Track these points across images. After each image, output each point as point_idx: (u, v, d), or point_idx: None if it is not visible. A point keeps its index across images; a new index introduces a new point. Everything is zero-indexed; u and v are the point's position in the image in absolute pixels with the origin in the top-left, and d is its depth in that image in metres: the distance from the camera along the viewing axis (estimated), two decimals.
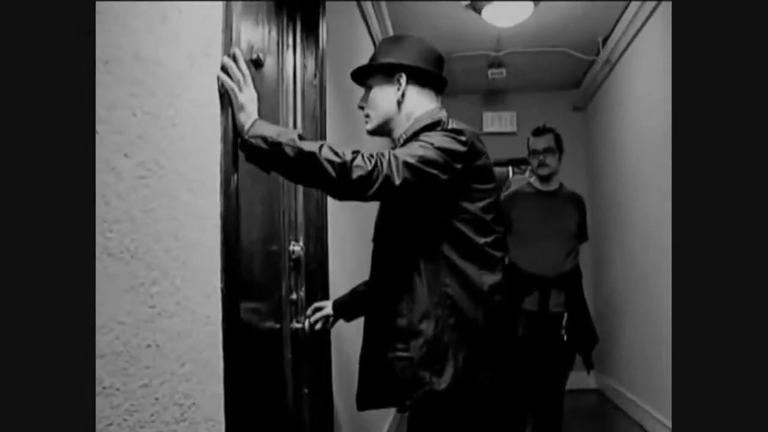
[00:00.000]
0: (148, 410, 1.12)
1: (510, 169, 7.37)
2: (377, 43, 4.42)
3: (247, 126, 1.56)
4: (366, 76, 1.95)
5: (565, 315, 3.58)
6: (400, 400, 1.72)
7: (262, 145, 1.54)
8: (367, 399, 1.83)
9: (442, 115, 1.81)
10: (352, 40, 3.67)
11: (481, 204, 1.75)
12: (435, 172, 1.62)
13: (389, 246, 1.84)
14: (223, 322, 1.45)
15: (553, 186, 3.73)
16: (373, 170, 1.55)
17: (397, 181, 1.56)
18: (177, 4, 1.31)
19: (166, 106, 1.24)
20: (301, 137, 1.56)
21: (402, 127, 1.87)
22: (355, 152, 1.58)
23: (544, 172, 3.66)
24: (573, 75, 5.91)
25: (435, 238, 1.73)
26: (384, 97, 1.88)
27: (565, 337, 3.55)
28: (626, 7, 4.36)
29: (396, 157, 1.59)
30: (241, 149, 1.58)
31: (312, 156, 1.53)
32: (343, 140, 3.12)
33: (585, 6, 4.43)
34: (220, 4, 1.54)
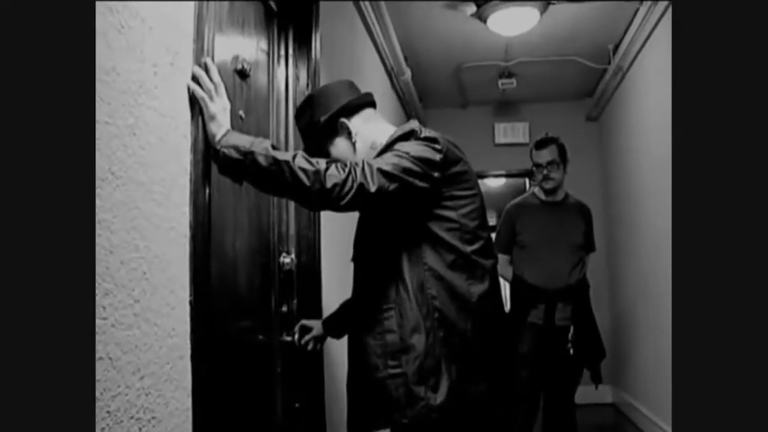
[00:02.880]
0: (99, 424, 1.09)
1: (527, 180, 7.32)
2: (383, 56, 4.42)
3: (218, 136, 1.54)
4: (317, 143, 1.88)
5: (572, 328, 3.51)
6: (396, 419, 1.64)
7: (235, 154, 1.52)
8: (359, 422, 1.76)
9: (414, 125, 1.77)
10: (354, 53, 3.66)
11: (464, 210, 1.71)
12: (410, 179, 1.59)
13: (371, 263, 1.79)
14: (192, 335, 1.43)
15: (558, 196, 3.66)
16: (347, 178, 1.52)
17: (372, 189, 1.53)
18: (139, 12, 1.30)
19: (125, 115, 1.23)
20: (274, 147, 1.55)
21: (371, 157, 1.80)
22: (329, 162, 1.55)
23: (548, 186, 3.59)
24: (585, 84, 5.84)
25: (419, 250, 1.68)
26: (343, 148, 1.83)
27: (572, 351, 3.48)
28: (635, 14, 4.31)
29: (370, 165, 1.56)
30: (213, 160, 1.57)
31: (286, 164, 1.51)
32: None
33: (592, 13, 4.38)
34: (191, 13, 1.53)
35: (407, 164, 1.59)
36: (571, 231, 3.61)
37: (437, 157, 1.65)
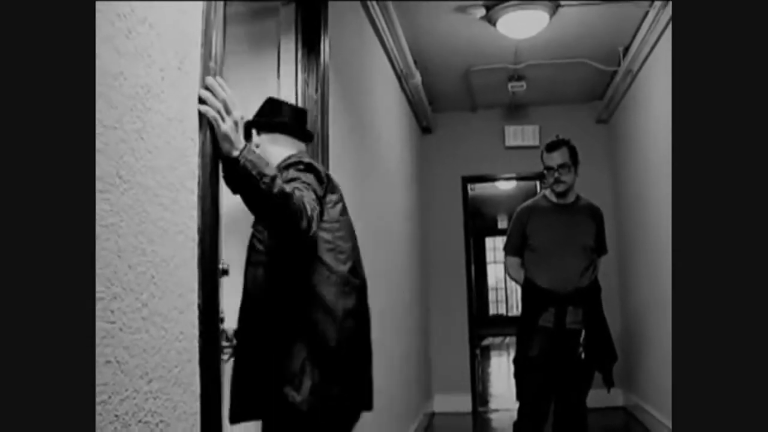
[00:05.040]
0: (107, 428, 1.10)
1: (538, 183, 7.31)
2: (392, 60, 4.43)
3: (237, 150, 1.59)
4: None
5: (583, 332, 3.49)
6: (268, 413, 1.83)
7: (253, 171, 1.59)
8: (240, 411, 1.86)
9: (296, 154, 1.95)
10: (363, 57, 3.67)
11: (339, 233, 1.92)
12: (316, 205, 1.77)
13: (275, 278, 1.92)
14: (200, 339, 1.43)
15: (569, 199, 3.63)
16: (312, 212, 1.70)
17: (315, 221, 1.72)
18: (147, 18, 1.30)
19: (132, 119, 1.23)
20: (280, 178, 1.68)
21: None
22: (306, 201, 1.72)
23: (560, 188, 3.56)
24: (595, 87, 5.82)
25: (306, 270, 1.85)
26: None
27: (583, 355, 3.45)
28: (645, 16, 4.29)
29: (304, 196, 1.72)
30: (226, 166, 1.59)
31: (289, 198, 1.63)
32: (349, 153, 3.10)
33: (602, 16, 4.37)
34: (199, 18, 1.53)
35: (311, 193, 1.77)
36: (583, 234, 3.58)
37: (321, 185, 1.87)
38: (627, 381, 5.58)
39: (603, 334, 3.53)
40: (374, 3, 3.70)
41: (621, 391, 5.65)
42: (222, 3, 1.64)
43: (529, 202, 3.81)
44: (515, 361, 3.61)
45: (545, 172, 3.61)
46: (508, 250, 3.77)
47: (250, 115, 2.01)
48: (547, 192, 3.68)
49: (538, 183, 7.21)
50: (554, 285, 3.48)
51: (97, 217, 1.10)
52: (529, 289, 3.62)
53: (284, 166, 1.87)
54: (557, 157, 3.52)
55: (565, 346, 3.46)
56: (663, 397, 4.57)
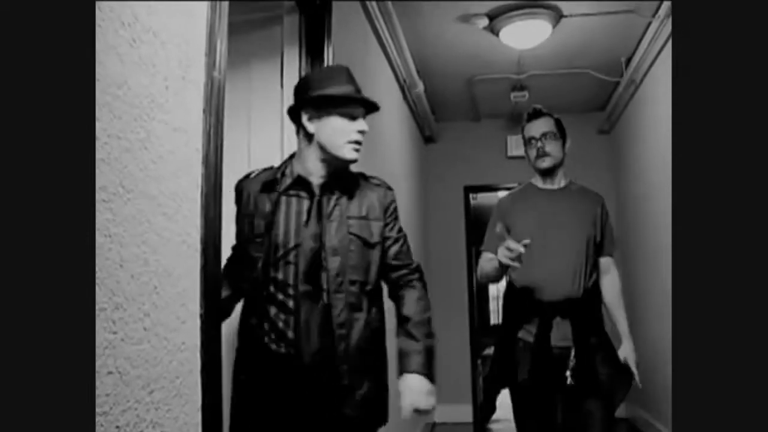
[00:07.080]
0: None
1: None
2: (395, 69, 4.43)
3: None
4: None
5: (572, 353, 2.63)
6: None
7: None
8: None
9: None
10: (367, 66, 3.67)
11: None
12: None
13: None
14: (202, 349, 1.42)
15: (560, 183, 2.86)
16: None
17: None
18: (152, 27, 1.30)
19: (136, 129, 1.23)
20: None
21: None
22: None
23: (545, 164, 2.78)
24: (597, 97, 5.82)
25: None
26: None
27: (569, 380, 2.63)
28: (647, 26, 4.29)
29: None
30: None
31: None
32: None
33: (605, 27, 4.37)
34: (203, 27, 1.53)
35: None
36: (578, 225, 2.77)
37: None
38: (631, 393, 5.52)
39: (609, 356, 2.82)
40: (378, 12, 3.70)
41: (625, 402, 5.61)
42: (226, 11, 1.64)
43: (513, 190, 3.04)
44: (486, 379, 2.76)
45: (526, 148, 2.91)
46: (485, 245, 2.95)
47: (253, 127, 2.00)
48: (533, 179, 2.94)
49: None
50: (539, 290, 2.69)
51: (100, 226, 1.10)
52: (511, 296, 2.88)
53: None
54: (540, 125, 2.82)
55: (549, 367, 2.64)
56: (667, 409, 4.55)
